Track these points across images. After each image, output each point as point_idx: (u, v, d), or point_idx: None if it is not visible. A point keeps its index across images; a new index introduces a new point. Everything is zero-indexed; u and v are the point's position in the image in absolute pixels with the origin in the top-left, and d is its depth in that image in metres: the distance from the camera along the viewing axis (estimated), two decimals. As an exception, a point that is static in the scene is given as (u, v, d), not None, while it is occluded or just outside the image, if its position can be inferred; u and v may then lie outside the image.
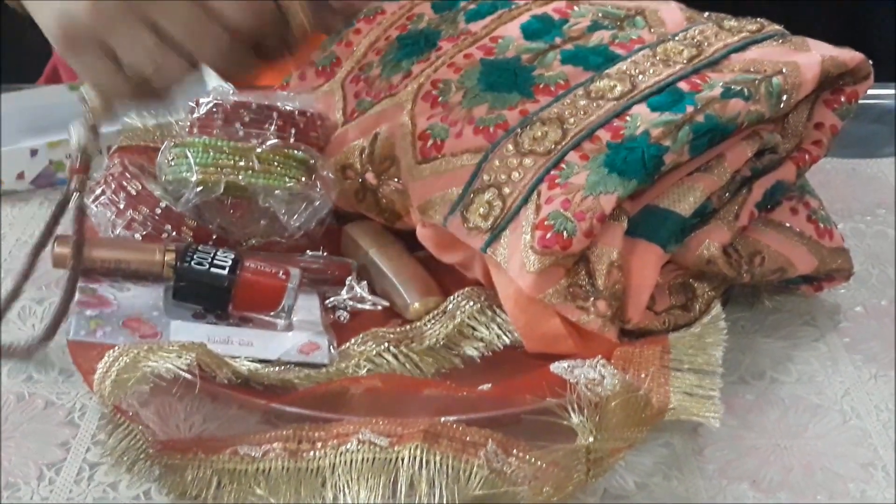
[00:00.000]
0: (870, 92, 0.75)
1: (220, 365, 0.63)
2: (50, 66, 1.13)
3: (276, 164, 0.73)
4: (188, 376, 0.61)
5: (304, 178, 0.74)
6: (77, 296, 0.68)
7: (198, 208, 0.74)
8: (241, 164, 0.72)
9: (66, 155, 0.85)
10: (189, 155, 0.73)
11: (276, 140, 0.73)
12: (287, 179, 0.73)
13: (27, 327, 0.73)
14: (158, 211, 0.73)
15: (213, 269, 0.68)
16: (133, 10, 0.70)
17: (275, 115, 0.74)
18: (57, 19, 0.70)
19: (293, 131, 0.74)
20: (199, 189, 0.72)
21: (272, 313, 0.69)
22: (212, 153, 0.72)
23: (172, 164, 0.73)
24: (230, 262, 0.68)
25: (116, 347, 0.63)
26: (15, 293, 0.71)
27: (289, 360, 0.66)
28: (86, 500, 0.61)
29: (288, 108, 0.75)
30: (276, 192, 0.73)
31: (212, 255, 0.68)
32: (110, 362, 0.62)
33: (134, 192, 0.73)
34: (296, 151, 0.74)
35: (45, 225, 0.71)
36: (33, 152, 0.85)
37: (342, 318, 0.72)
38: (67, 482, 0.62)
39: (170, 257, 0.70)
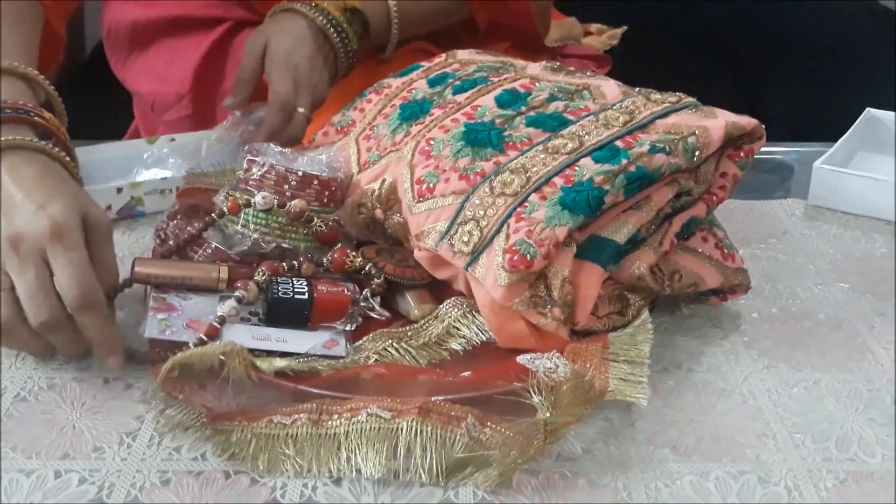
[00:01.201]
0: (764, 148, 0.76)
1: (249, 365, 0.63)
2: (133, 126, 1.13)
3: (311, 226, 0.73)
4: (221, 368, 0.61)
5: None
6: (151, 303, 0.67)
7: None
8: (288, 228, 0.72)
9: (143, 192, 0.85)
10: (248, 213, 0.71)
11: (315, 204, 0.72)
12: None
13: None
14: (209, 251, 0.72)
15: (296, 296, 0.66)
16: None
17: (315, 182, 0.73)
18: None
19: (327, 194, 0.73)
20: (252, 244, 0.72)
21: (340, 322, 0.68)
22: (265, 216, 0.72)
23: (231, 216, 0.72)
24: (307, 289, 0.67)
25: (180, 351, 0.62)
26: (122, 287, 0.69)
27: (315, 353, 0.66)
28: (155, 460, 0.61)
29: (324, 175, 0.73)
30: (311, 250, 0.73)
31: (291, 285, 0.67)
32: (170, 363, 0.62)
33: (187, 237, 0.72)
34: (327, 217, 0.73)
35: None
36: (119, 190, 0.85)
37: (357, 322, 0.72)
38: (141, 446, 0.62)
39: (224, 274, 0.69)
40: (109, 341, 0.65)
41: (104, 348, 0.65)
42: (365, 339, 0.68)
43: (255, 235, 0.72)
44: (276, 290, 0.67)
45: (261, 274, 0.67)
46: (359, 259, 0.71)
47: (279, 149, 0.75)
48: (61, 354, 0.68)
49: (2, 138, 0.67)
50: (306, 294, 0.67)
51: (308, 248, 0.73)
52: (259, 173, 0.73)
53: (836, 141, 0.94)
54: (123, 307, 0.71)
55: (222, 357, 0.61)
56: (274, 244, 0.72)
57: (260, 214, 0.71)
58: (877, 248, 0.85)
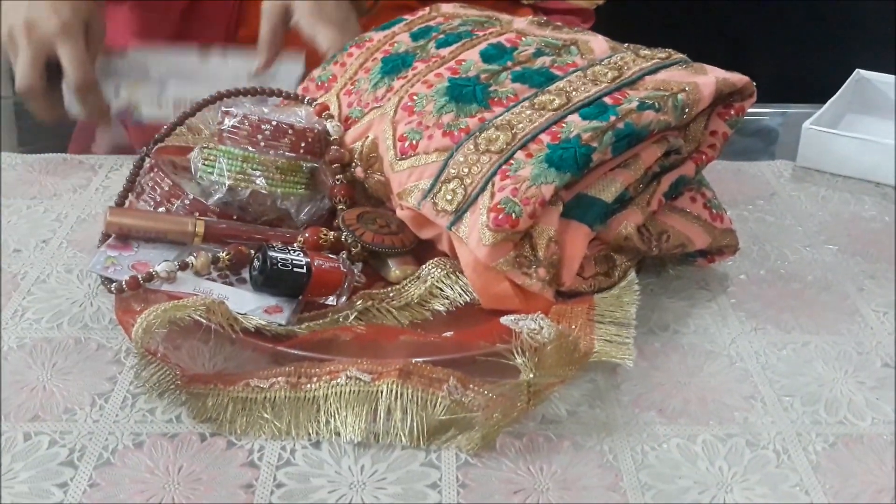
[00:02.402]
0: (750, 110, 0.73)
1: (232, 320, 0.60)
2: None
3: (290, 174, 0.70)
4: (204, 321, 0.59)
5: (309, 185, 0.71)
6: (109, 240, 0.65)
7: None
8: (264, 174, 0.69)
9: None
10: (222, 162, 0.69)
11: (291, 154, 0.70)
12: (299, 187, 0.71)
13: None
14: (187, 202, 0.70)
15: (294, 270, 0.63)
16: None
17: (290, 131, 0.71)
18: None
19: (303, 145, 0.71)
20: (228, 192, 0.69)
21: (333, 296, 0.65)
22: (241, 163, 0.69)
23: (205, 166, 0.70)
24: (305, 264, 0.64)
25: (154, 306, 0.60)
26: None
27: (254, 315, 0.62)
28: (128, 423, 0.58)
29: (300, 125, 0.71)
30: (291, 197, 0.71)
31: (290, 258, 0.64)
32: (146, 316, 0.59)
33: (166, 188, 0.70)
34: (304, 164, 0.71)
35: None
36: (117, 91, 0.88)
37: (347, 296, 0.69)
38: (114, 408, 0.59)
39: (199, 228, 0.66)
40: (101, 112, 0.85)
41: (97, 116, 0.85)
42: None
43: (230, 182, 0.69)
44: (275, 261, 0.64)
45: (227, 253, 0.65)
46: (332, 234, 0.68)
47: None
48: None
49: None
50: (304, 268, 0.64)
51: (296, 196, 0.70)
52: (231, 123, 0.70)
53: (823, 103, 0.92)
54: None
55: (202, 311, 0.59)
56: (249, 190, 0.69)
57: (235, 161, 0.69)
58: (866, 210, 0.83)
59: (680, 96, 0.68)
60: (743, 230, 0.75)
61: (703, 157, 0.71)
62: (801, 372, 0.64)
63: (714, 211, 0.72)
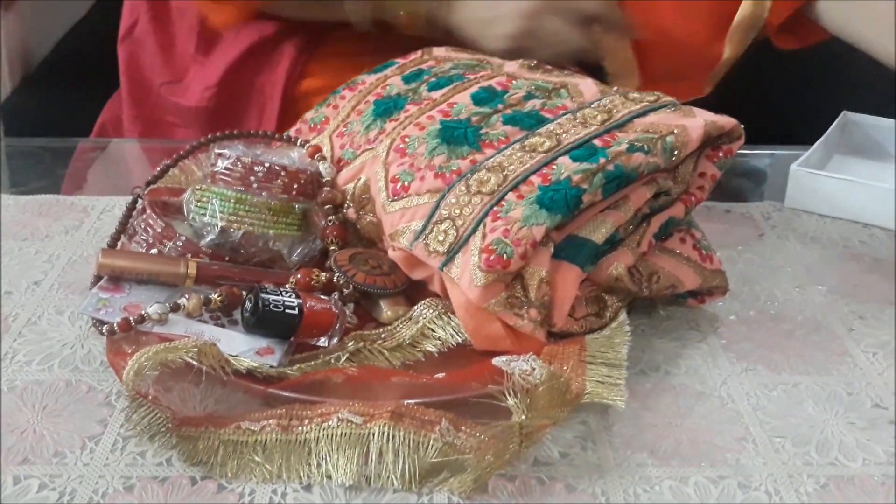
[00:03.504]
0: (739, 151, 0.74)
1: (224, 362, 0.60)
2: (100, 122, 1.09)
3: (282, 215, 0.70)
4: (196, 363, 0.59)
5: (302, 226, 0.71)
6: (101, 282, 0.65)
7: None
8: (256, 215, 0.69)
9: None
10: (215, 203, 0.69)
11: (284, 196, 0.70)
12: (291, 228, 0.71)
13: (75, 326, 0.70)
14: (179, 243, 0.69)
15: (286, 311, 0.63)
16: None
17: (283, 173, 0.71)
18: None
19: (296, 186, 0.71)
20: (220, 233, 0.69)
21: (324, 337, 0.65)
22: (233, 204, 0.69)
23: (198, 207, 0.70)
24: (297, 305, 0.63)
25: (146, 348, 0.60)
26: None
27: (245, 357, 0.62)
28: (119, 466, 0.58)
29: (293, 167, 0.71)
30: (283, 238, 0.71)
31: (282, 300, 0.63)
32: (137, 358, 0.59)
33: (159, 230, 0.70)
34: (297, 205, 0.71)
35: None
36: None
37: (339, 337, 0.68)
38: (104, 452, 0.59)
39: (192, 270, 0.66)
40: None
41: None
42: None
43: (222, 224, 0.69)
44: (267, 303, 0.63)
45: (219, 295, 0.65)
46: (324, 275, 0.68)
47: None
48: None
49: None
50: (296, 309, 0.63)
51: (288, 238, 0.70)
52: (224, 165, 0.70)
53: (810, 145, 0.93)
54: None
55: (194, 353, 0.59)
56: (242, 232, 0.69)
57: (228, 203, 0.69)
58: (854, 251, 0.84)
59: (669, 139, 0.68)
60: (732, 271, 0.76)
61: (693, 198, 0.72)
62: (791, 413, 0.64)
63: (704, 252, 0.72)
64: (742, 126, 0.72)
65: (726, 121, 0.71)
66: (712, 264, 0.72)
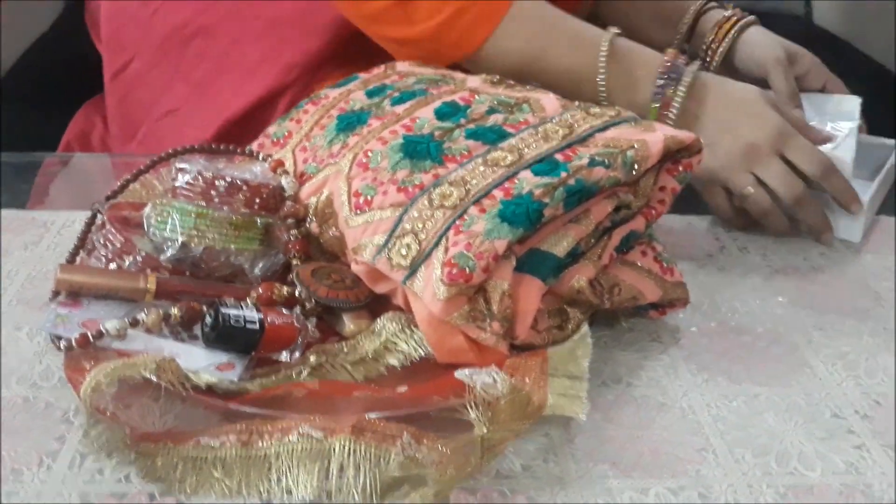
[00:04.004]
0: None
1: (183, 378, 0.60)
2: (65, 140, 1.08)
3: (244, 230, 0.70)
4: (154, 379, 0.58)
5: (264, 240, 0.71)
6: (59, 297, 0.65)
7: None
8: (218, 230, 0.69)
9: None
10: (175, 218, 0.69)
11: (246, 210, 0.70)
12: (253, 243, 0.70)
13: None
14: (139, 258, 0.69)
15: (247, 326, 0.63)
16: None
17: (245, 187, 0.71)
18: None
19: (258, 201, 0.71)
20: (181, 248, 0.69)
21: (286, 352, 0.65)
22: (194, 219, 0.69)
23: (158, 222, 0.69)
24: (258, 320, 0.63)
25: (104, 364, 0.59)
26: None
27: (205, 373, 0.61)
28: (77, 483, 0.57)
29: (255, 181, 0.71)
30: (245, 252, 0.70)
31: (242, 315, 0.63)
32: (95, 374, 0.58)
33: (118, 245, 0.69)
34: (259, 220, 0.71)
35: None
36: None
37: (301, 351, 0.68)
38: (62, 468, 0.58)
39: (151, 285, 0.66)
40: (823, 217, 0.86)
41: (822, 221, 0.86)
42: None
43: (183, 238, 0.68)
44: (227, 318, 0.63)
45: (179, 310, 0.64)
46: (286, 289, 0.68)
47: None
48: (806, 230, 0.87)
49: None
50: (257, 324, 0.63)
51: (250, 252, 0.70)
52: (186, 179, 0.70)
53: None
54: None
55: (153, 368, 0.58)
56: (202, 246, 0.69)
57: (189, 217, 0.69)
58: (814, 263, 0.84)
59: (629, 153, 0.69)
60: (693, 283, 0.76)
61: (653, 211, 0.72)
62: (751, 424, 0.64)
63: (664, 264, 0.73)
64: (701, 140, 0.72)
65: (686, 135, 0.71)
66: (673, 277, 0.73)
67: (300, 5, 0.97)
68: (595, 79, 0.85)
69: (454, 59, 0.87)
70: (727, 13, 1.02)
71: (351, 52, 0.94)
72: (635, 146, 0.69)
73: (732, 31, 1.00)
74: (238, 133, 0.95)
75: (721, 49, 1.00)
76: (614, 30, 0.87)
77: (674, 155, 0.72)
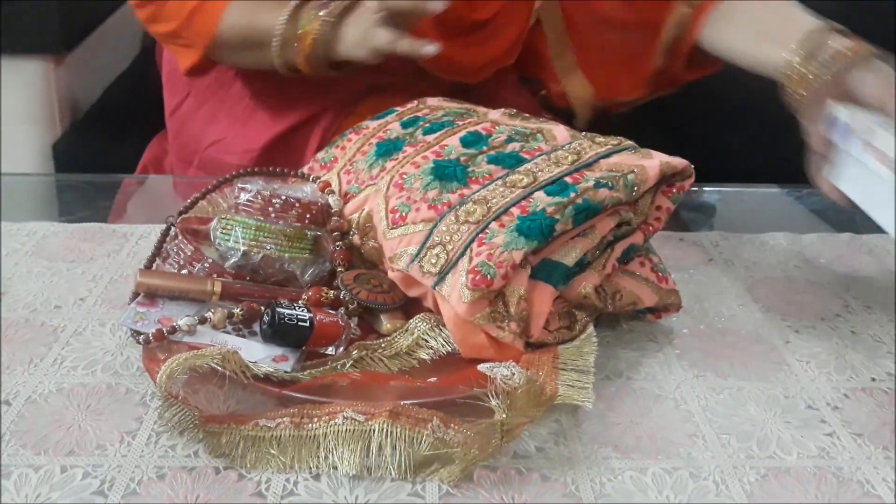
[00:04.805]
0: (692, 188, 0.75)
1: (244, 367, 0.60)
2: (142, 163, 1.10)
3: (296, 241, 0.71)
4: (220, 369, 0.59)
5: (313, 251, 0.72)
6: (138, 298, 0.66)
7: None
8: (274, 241, 0.70)
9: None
10: (238, 230, 0.70)
11: (298, 224, 0.71)
12: (304, 252, 0.71)
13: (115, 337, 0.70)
14: (207, 265, 0.70)
15: (299, 324, 0.63)
16: None
17: (297, 204, 0.72)
18: None
19: (308, 216, 0.72)
20: (242, 256, 0.70)
21: (332, 346, 0.65)
22: (254, 231, 0.70)
23: (223, 234, 0.70)
24: (308, 319, 0.64)
25: (177, 355, 0.60)
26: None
27: (263, 364, 0.62)
28: (153, 457, 0.58)
29: (306, 199, 0.72)
30: (297, 261, 0.71)
31: (295, 314, 0.64)
32: (169, 364, 0.59)
33: (189, 253, 0.70)
34: (309, 232, 0.72)
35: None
36: None
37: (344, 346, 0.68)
38: (140, 445, 0.59)
39: (217, 288, 0.67)
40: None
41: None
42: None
43: (244, 248, 0.69)
44: (282, 316, 0.64)
45: (241, 310, 0.65)
46: (332, 293, 0.69)
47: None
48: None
49: None
50: (308, 322, 0.64)
51: (301, 260, 0.71)
52: (246, 198, 0.71)
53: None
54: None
55: (219, 359, 0.59)
56: (261, 255, 0.70)
57: (249, 230, 0.70)
58: (790, 273, 0.84)
59: (630, 176, 0.69)
60: (685, 290, 0.76)
61: (650, 227, 0.72)
62: (736, 413, 0.64)
63: (660, 274, 0.73)
64: (692, 166, 0.72)
65: (679, 161, 0.72)
66: (667, 284, 0.73)
67: None
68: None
69: (203, 45, 0.92)
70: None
71: (373, 85, 0.95)
72: (635, 170, 0.70)
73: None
74: (270, 158, 0.97)
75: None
76: None
77: (669, 178, 0.72)
